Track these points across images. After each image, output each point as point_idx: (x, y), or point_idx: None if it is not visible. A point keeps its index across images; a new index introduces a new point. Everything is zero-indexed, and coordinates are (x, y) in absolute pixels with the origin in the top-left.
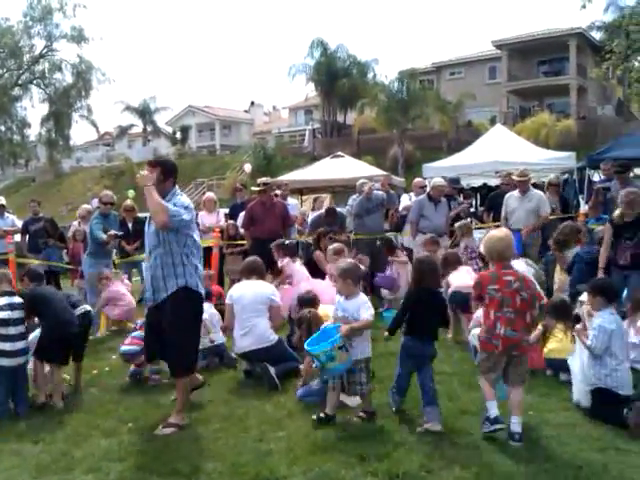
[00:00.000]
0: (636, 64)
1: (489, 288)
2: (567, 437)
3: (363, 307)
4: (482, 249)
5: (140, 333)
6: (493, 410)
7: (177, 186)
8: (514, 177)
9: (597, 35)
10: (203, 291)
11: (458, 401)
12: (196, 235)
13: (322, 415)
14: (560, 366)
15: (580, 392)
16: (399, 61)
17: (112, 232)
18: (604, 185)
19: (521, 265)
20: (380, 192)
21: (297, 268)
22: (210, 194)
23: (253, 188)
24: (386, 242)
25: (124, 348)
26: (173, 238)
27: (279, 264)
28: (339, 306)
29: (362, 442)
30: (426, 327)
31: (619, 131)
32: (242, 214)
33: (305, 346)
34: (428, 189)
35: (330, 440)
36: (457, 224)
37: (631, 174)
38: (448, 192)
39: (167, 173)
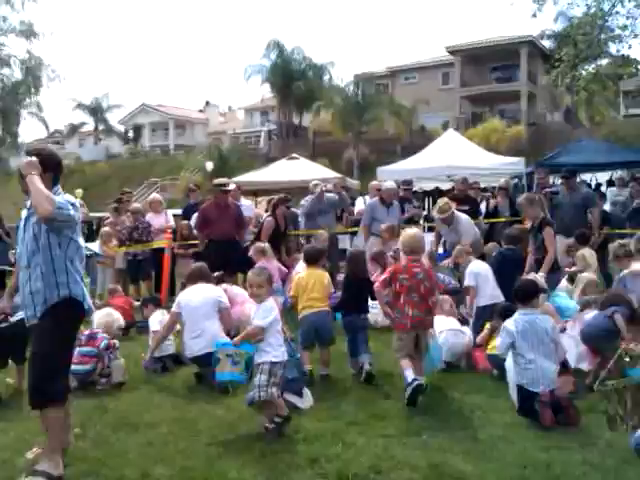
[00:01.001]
0: (583, 73)
1: (400, 277)
2: (513, 437)
3: (256, 313)
4: (399, 245)
5: (88, 349)
6: (409, 375)
7: (59, 186)
8: (434, 214)
9: (547, 43)
10: (90, 304)
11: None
12: (81, 241)
13: (267, 425)
14: (501, 363)
15: (512, 389)
16: (355, 65)
17: None
18: (552, 190)
19: (483, 265)
20: (333, 194)
21: (235, 291)
22: (155, 195)
23: (215, 187)
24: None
25: (74, 367)
26: (55, 241)
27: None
28: None
29: (313, 444)
30: (358, 304)
31: (567, 138)
32: (196, 215)
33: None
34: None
35: (280, 443)
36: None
37: (577, 179)
38: (404, 195)
39: (48, 166)
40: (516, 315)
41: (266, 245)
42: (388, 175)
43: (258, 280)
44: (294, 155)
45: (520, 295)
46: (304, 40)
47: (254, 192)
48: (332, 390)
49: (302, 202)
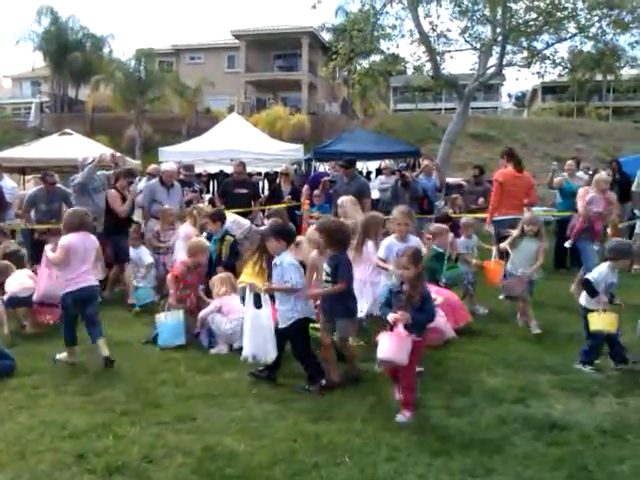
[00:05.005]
0: (358, 67)
1: None
2: (286, 411)
3: None
4: None
5: None
6: None
7: None
8: None
9: (327, 36)
10: None
11: (184, 387)
12: None
13: None
14: None
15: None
16: (137, 40)
17: None
18: (331, 178)
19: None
20: (106, 172)
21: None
22: None
23: None
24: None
25: None
26: None
27: None
28: None
29: (80, 439)
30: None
31: (343, 128)
32: None
33: None
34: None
35: (44, 441)
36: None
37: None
38: (185, 178)
39: None
40: None
41: None
42: (170, 156)
43: None
44: (67, 130)
45: None
46: (81, 9)
47: (22, 169)
48: (103, 381)
49: (71, 179)
